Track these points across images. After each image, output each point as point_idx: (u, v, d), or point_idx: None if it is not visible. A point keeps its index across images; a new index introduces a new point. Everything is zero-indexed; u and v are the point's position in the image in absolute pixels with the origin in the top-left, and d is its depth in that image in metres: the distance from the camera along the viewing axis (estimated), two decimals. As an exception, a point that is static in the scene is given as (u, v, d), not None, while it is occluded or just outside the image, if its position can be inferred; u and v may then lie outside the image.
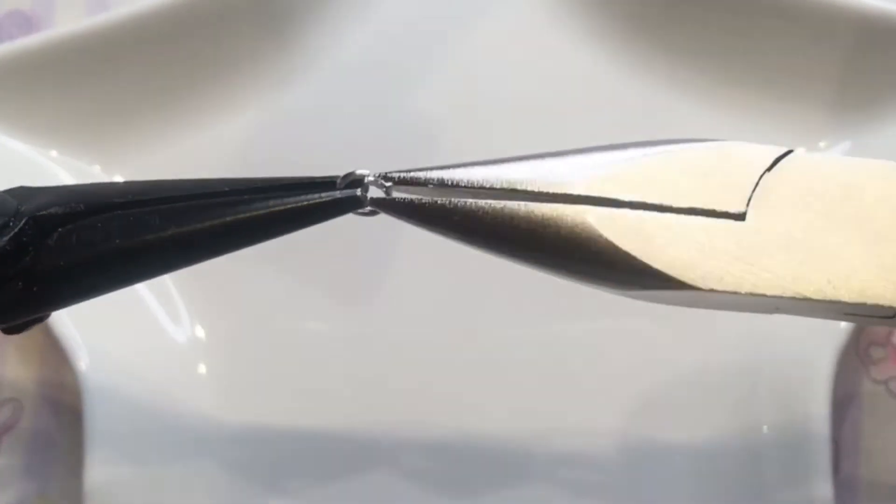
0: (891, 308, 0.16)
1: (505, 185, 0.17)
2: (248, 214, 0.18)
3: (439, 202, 0.18)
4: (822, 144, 0.30)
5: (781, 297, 0.16)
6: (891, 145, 0.29)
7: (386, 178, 0.18)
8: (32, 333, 0.30)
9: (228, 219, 0.18)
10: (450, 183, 0.18)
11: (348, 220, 0.30)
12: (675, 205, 0.17)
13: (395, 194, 0.19)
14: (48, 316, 0.21)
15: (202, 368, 0.30)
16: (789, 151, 0.17)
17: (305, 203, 0.18)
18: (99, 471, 0.27)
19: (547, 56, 0.31)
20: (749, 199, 0.17)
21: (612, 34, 0.31)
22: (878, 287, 0.16)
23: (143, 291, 0.30)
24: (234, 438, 0.29)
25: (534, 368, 0.29)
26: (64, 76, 0.29)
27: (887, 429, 0.28)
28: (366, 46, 0.31)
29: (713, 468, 0.28)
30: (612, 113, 0.31)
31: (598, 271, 0.17)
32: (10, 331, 0.20)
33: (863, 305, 0.16)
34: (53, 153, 0.30)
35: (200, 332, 0.30)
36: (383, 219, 0.30)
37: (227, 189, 0.18)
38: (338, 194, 0.19)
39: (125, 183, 0.19)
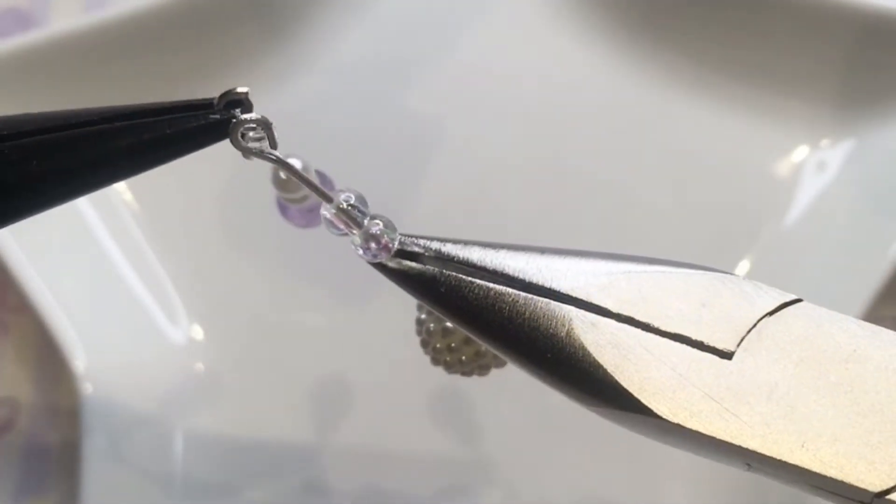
0: (866, 492, 0.14)
1: (497, 268, 0.16)
2: (118, 143, 0.16)
3: (431, 271, 0.17)
4: (824, 142, 0.30)
5: (748, 451, 0.15)
6: (894, 143, 0.29)
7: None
8: (29, 333, 0.30)
9: (98, 151, 0.16)
10: (445, 256, 0.17)
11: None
12: (663, 328, 0.15)
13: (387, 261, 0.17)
14: None
15: (200, 367, 0.30)
16: (798, 300, 0.16)
17: (180, 128, 0.17)
18: (96, 470, 0.27)
19: (547, 55, 0.31)
20: (741, 340, 0.15)
21: (613, 33, 0.31)
22: (859, 465, 0.14)
23: (140, 291, 0.30)
24: (231, 437, 0.29)
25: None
26: (60, 74, 0.29)
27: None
28: (365, 46, 0.31)
29: (714, 467, 0.28)
30: (613, 111, 0.31)
31: (567, 375, 0.16)
32: None
33: (836, 482, 0.14)
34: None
35: (198, 331, 0.30)
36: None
37: (96, 118, 0.16)
38: (218, 116, 0.17)
39: None
